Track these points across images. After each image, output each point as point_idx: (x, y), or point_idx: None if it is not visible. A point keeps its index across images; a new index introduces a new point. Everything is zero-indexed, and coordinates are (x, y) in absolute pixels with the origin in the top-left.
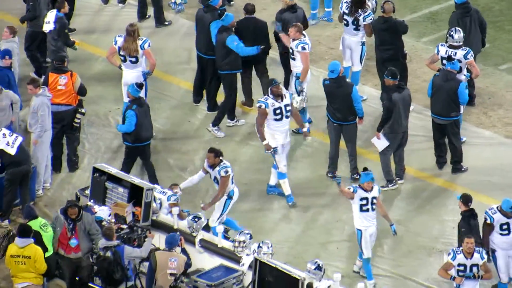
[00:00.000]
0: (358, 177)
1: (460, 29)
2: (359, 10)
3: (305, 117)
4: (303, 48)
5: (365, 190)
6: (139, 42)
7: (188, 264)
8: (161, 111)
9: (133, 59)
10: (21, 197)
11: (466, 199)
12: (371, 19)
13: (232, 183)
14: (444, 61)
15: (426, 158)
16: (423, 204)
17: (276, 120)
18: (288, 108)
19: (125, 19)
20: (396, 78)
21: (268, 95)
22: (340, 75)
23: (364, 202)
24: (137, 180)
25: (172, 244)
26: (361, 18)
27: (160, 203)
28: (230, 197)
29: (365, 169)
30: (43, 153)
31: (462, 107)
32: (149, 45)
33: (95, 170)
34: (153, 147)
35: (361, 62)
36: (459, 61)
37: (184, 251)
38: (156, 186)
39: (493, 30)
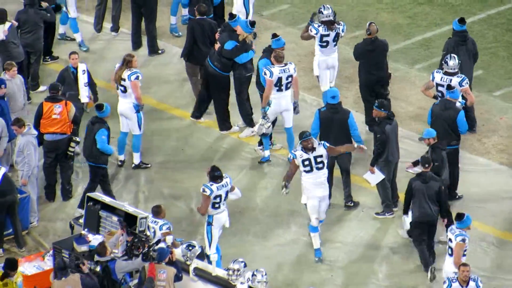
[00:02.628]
0: (352, 204)
1: (455, 56)
2: (336, 24)
3: (267, 144)
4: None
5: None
6: (127, 73)
7: (178, 277)
8: (154, 140)
9: (122, 88)
10: (12, 227)
11: (425, 161)
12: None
13: (215, 208)
14: (440, 88)
15: None
16: None
17: (306, 172)
18: (319, 159)
19: (118, 47)
20: (386, 110)
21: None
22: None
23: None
24: (131, 209)
25: (162, 257)
26: (340, 31)
27: (154, 232)
28: (209, 223)
29: (460, 215)
30: (33, 185)
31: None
32: (136, 78)
33: (89, 199)
34: (147, 176)
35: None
36: (454, 87)
37: (175, 264)
38: (148, 215)
39: (487, 57)
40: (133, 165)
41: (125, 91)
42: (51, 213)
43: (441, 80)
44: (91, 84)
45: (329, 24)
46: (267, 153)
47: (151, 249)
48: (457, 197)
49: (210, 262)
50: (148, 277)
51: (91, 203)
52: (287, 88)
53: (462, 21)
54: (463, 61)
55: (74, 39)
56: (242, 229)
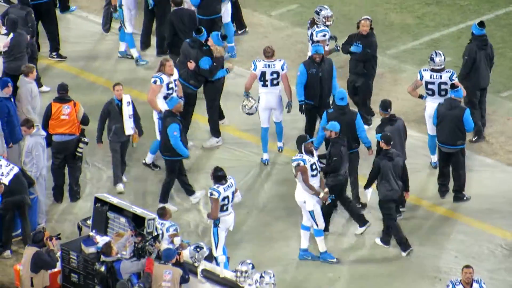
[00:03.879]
0: (360, 206)
1: (441, 52)
2: (315, 25)
3: (265, 145)
4: (251, 66)
5: None
6: (153, 74)
7: (184, 278)
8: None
9: None
10: (22, 228)
11: (387, 138)
12: (323, 35)
13: (223, 211)
14: (430, 86)
15: (428, 186)
16: (425, 233)
17: (312, 176)
18: (318, 163)
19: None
20: (386, 111)
21: (302, 152)
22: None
23: None
24: (138, 210)
25: (169, 257)
26: (315, 32)
27: (162, 234)
28: (215, 225)
29: None
30: (41, 186)
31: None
32: (154, 82)
33: (97, 200)
34: (156, 177)
35: None
36: (443, 83)
37: (182, 266)
38: (156, 216)
39: (494, 57)
40: (143, 161)
41: None
42: (59, 214)
43: (430, 78)
44: (135, 116)
45: (312, 21)
46: (265, 155)
47: (147, 243)
48: (464, 198)
49: (218, 264)
50: (145, 272)
51: (98, 204)
52: (273, 85)
53: (482, 24)
54: (483, 66)
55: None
56: (250, 231)
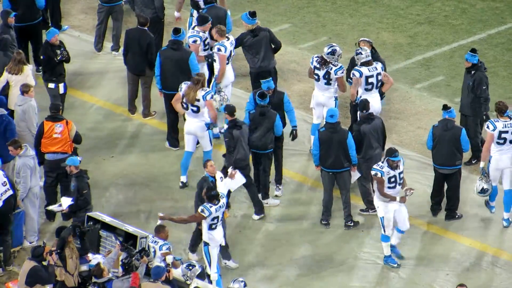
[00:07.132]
0: (351, 224)
1: (363, 47)
2: (330, 64)
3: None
4: (219, 50)
5: None
6: (202, 93)
7: None
8: (150, 159)
9: (194, 108)
10: (2, 244)
11: (229, 110)
12: (342, 72)
13: (211, 229)
14: (371, 80)
15: (419, 204)
16: (417, 250)
17: (389, 188)
18: (402, 175)
19: (118, 66)
20: (363, 111)
21: (383, 163)
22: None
23: None
24: (131, 229)
25: (158, 275)
26: (332, 71)
27: (154, 252)
28: (205, 244)
29: None
30: (34, 204)
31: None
32: (211, 97)
33: (89, 218)
34: (147, 196)
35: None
36: (379, 74)
37: (171, 283)
38: (149, 235)
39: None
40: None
41: (197, 111)
42: (51, 232)
43: (369, 71)
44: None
45: (322, 60)
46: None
47: (133, 258)
48: (456, 216)
49: (210, 282)
50: (130, 287)
51: (91, 222)
52: (230, 61)
53: (474, 51)
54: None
55: None
56: (242, 248)
